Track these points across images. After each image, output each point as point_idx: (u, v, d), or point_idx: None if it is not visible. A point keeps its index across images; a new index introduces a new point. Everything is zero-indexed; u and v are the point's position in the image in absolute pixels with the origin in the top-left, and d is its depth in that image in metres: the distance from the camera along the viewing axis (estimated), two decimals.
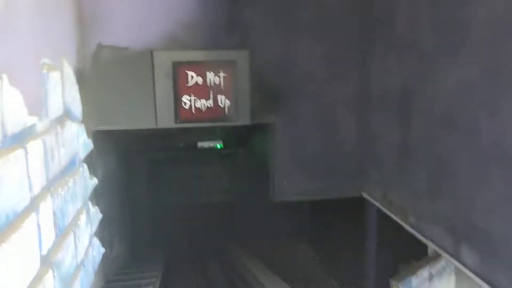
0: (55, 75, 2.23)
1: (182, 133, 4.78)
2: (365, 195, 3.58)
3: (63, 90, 2.37)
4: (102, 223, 3.39)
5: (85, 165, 2.84)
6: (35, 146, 1.83)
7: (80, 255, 2.60)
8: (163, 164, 7.80)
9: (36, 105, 1.94)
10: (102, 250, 3.31)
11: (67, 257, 2.28)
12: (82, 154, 2.80)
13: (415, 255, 3.42)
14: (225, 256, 6.30)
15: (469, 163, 2.22)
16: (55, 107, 2.21)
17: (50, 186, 2.04)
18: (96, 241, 3.13)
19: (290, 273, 5.52)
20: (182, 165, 8.02)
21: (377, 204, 3.35)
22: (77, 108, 2.71)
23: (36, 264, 1.77)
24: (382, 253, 4.33)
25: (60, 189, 2.19)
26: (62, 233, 2.22)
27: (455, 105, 2.34)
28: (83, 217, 2.69)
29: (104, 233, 3.51)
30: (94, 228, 3.07)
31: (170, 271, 5.08)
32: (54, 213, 2.06)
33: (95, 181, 3.14)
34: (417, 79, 2.72)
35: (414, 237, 2.84)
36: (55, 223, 2.07)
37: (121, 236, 4.67)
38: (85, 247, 2.74)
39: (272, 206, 6.34)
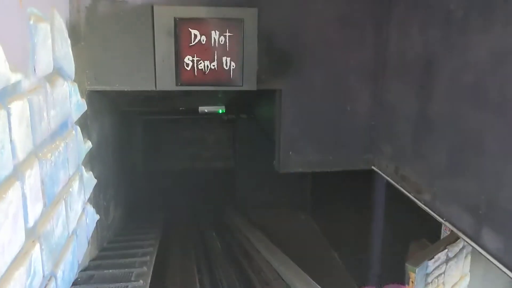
0: (44, 27, 2.01)
1: (183, 96, 4.56)
2: (375, 169, 3.42)
3: (53, 45, 2.16)
4: (97, 188, 3.25)
5: (78, 128, 2.66)
6: (19, 107, 1.64)
7: (72, 224, 2.45)
8: (162, 127, 7.63)
9: (22, 61, 1.73)
10: (97, 217, 3.17)
11: (57, 227, 2.13)
12: (75, 116, 2.60)
13: (426, 233, 3.29)
14: (224, 224, 6.21)
15: (499, 140, 2.04)
16: (44, 64, 2.00)
17: (37, 151, 1.86)
18: (90, 208, 2.98)
19: (290, 244, 5.44)
20: (181, 129, 7.85)
21: (388, 179, 3.19)
22: (69, 66, 2.49)
23: (21, 237, 1.62)
24: (388, 228, 4.21)
25: (49, 155, 2.01)
26: (51, 202, 2.06)
27: (486, 77, 2.14)
28: (75, 184, 2.52)
29: (99, 198, 3.37)
30: (88, 195, 2.91)
31: (167, 238, 4.98)
32: (43, 181, 1.89)
33: (89, 144, 2.96)
34: (442, 45, 2.50)
35: (427, 215, 2.69)
36: (43, 192, 1.90)
37: (117, 201, 4.53)
38: (78, 215, 2.60)
39: (274, 175, 6.24)
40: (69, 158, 2.39)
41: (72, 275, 2.49)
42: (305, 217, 6.40)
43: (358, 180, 4.17)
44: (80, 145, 2.69)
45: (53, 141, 2.12)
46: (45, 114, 1.98)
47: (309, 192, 6.42)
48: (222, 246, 5.26)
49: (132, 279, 2.76)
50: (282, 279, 4.05)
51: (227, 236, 5.65)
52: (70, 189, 2.40)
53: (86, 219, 2.81)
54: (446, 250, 2.24)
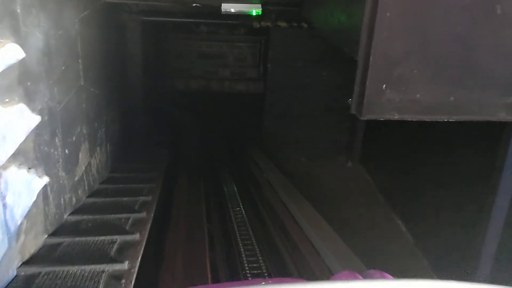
0: None
1: None
2: None
3: None
4: (46, 129, 1.94)
5: None
6: None
7: None
8: (167, 33, 6.15)
9: None
10: (40, 181, 1.88)
11: None
12: None
13: None
14: (248, 168, 4.94)
15: None
16: None
17: None
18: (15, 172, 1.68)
19: (330, 199, 4.24)
20: (195, 38, 6.39)
21: None
22: None
23: None
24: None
25: None
26: None
27: None
28: None
29: (50, 145, 2.06)
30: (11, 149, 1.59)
31: (170, 192, 3.77)
32: None
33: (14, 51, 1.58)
34: None
35: None
36: None
37: (101, 139, 3.27)
38: None
39: (314, 106, 4.86)
40: None
41: None
42: (353, 164, 5.07)
43: (471, 133, 2.77)
44: None
45: None
46: None
47: (362, 134, 5.01)
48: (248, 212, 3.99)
49: None
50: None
51: (251, 191, 4.39)
52: None
53: None
54: None
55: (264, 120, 4.95)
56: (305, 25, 4.33)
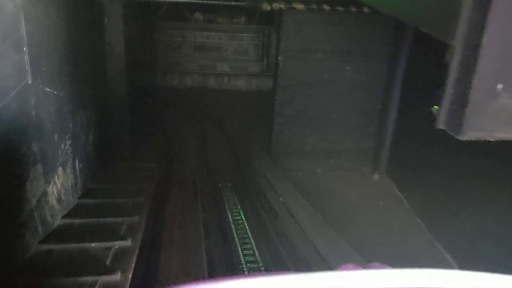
0: None
1: None
2: None
3: None
4: None
5: None
6: None
7: None
8: (154, 19, 5.41)
9: None
10: None
11: None
12: None
13: None
14: (254, 184, 4.16)
15: None
16: None
17: None
18: None
19: (355, 219, 3.53)
20: (187, 25, 5.65)
21: None
22: None
23: None
24: None
25: None
26: None
27: None
28: None
29: None
30: None
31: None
32: None
33: None
34: None
35: None
36: None
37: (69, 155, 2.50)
38: None
39: (334, 109, 4.10)
40: None
41: None
42: (380, 177, 4.29)
43: None
44: None
45: None
46: None
47: (390, 142, 4.22)
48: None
49: None
50: None
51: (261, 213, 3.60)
52: None
53: None
54: None
55: (274, 124, 4.17)
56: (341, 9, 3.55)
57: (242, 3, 3.57)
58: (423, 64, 3.87)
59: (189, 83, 6.21)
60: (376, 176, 4.34)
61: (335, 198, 3.88)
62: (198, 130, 5.02)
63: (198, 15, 6.22)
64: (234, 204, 3.56)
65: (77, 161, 2.73)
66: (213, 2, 3.54)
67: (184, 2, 3.65)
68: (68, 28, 2.62)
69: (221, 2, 3.55)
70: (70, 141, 2.59)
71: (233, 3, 3.55)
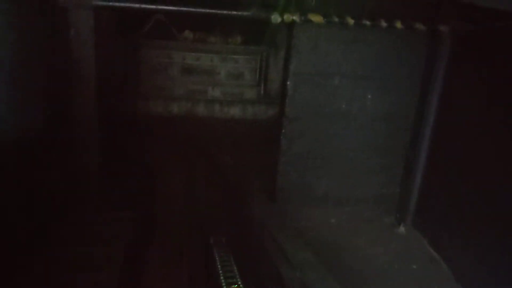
0: None
1: None
2: None
3: None
4: None
5: None
6: None
7: None
8: (142, 41, 4.78)
9: None
10: None
11: None
12: None
13: None
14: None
15: None
16: None
17: None
18: None
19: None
20: (176, 47, 5.03)
21: None
22: None
23: None
24: None
25: None
26: None
27: None
28: None
29: None
30: None
31: None
32: None
33: None
34: None
35: None
36: None
37: None
38: None
39: (348, 145, 3.45)
40: None
41: None
42: (407, 230, 3.59)
43: None
44: None
45: None
46: None
47: (418, 187, 3.54)
48: None
49: None
50: None
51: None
52: None
53: None
54: None
55: (280, 163, 3.45)
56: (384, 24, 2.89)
57: (246, 14, 2.89)
58: (463, 86, 3.24)
59: (175, 111, 5.59)
60: (402, 229, 3.62)
61: (357, 259, 3.14)
62: (185, 166, 4.34)
63: (187, 33, 5.64)
64: (231, 272, 2.79)
65: None
66: (212, 11, 2.85)
67: (177, 10, 2.94)
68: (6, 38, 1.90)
69: (221, 12, 2.87)
70: None
71: (234, 12, 2.87)
